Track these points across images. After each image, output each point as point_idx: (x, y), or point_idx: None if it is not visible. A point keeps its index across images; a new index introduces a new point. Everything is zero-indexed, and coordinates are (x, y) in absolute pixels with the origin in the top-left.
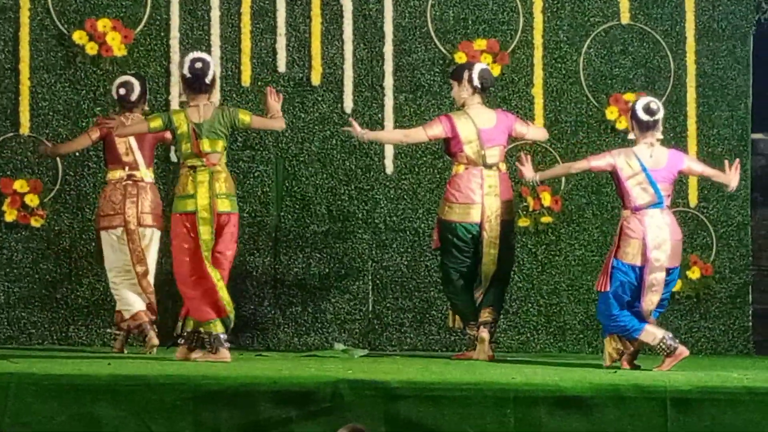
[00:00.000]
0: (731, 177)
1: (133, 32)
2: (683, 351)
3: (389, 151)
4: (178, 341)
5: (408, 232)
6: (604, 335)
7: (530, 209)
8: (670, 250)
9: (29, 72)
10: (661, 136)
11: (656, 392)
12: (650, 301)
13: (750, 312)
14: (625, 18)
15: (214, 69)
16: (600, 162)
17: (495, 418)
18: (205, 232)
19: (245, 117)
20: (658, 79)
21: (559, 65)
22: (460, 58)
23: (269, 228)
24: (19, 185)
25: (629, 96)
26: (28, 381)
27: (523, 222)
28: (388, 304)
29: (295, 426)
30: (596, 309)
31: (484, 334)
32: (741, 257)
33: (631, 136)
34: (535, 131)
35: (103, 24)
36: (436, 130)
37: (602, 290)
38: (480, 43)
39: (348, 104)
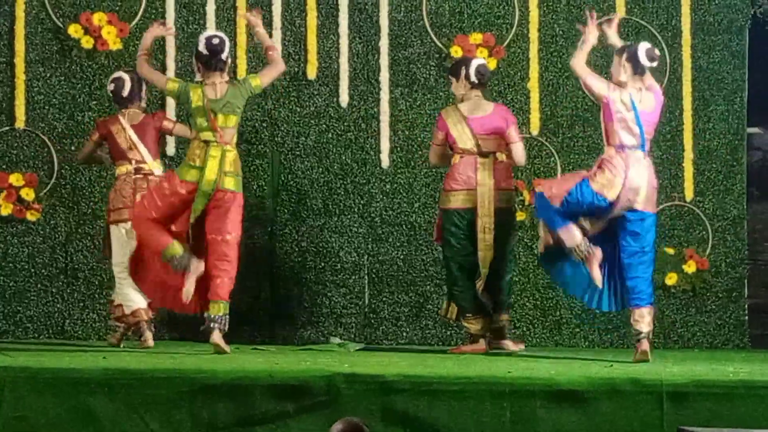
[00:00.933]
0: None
1: (129, 26)
2: (598, 254)
3: (385, 146)
4: (211, 326)
5: (404, 226)
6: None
7: (526, 203)
8: (648, 194)
9: (24, 66)
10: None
11: (652, 386)
12: (597, 228)
13: (746, 306)
14: (620, 12)
15: (230, 47)
16: (596, 83)
17: (491, 411)
18: (199, 203)
19: (256, 81)
20: (653, 73)
21: (555, 59)
22: (456, 52)
23: (265, 222)
24: (15, 179)
25: None
26: (24, 375)
27: (519, 216)
28: (384, 298)
29: (291, 419)
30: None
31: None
32: (737, 251)
33: (622, 77)
34: (519, 150)
35: (98, 18)
36: (440, 136)
37: (553, 202)
38: (476, 37)
39: (344, 98)
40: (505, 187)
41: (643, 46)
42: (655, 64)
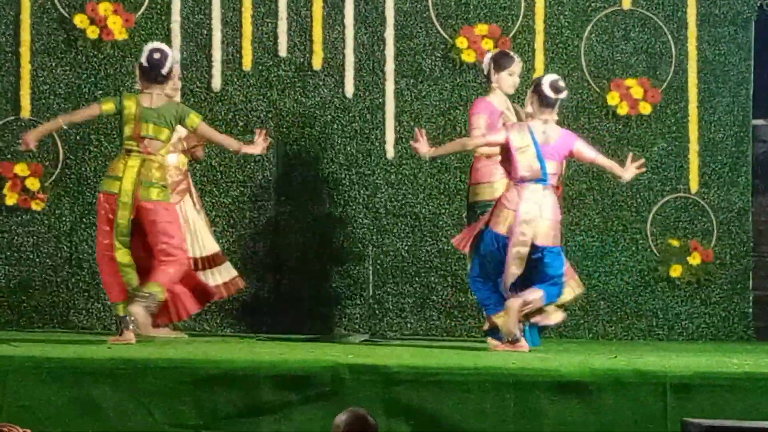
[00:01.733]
0: (627, 171)
1: (134, 16)
2: (524, 346)
3: (390, 137)
4: (135, 299)
5: (409, 217)
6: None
7: None
8: (547, 228)
9: (30, 55)
10: (557, 117)
11: (656, 377)
12: (511, 273)
13: (750, 298)
14: (626, 3)
15: (173, 61)
16: (497, 137)
17: (495, 402)
18: (122, 217)
19: (195, 119)
20: (659, 64)
21: (561, 50)
22: (461, 43)
23: (270, 213)
24: (20, 169)
25: (630, 81)
26: (29, 364)
27: None
28: (388, 289)
29: (294, 410)
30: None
31: None
32: (741, 243)
33: (528, 109)
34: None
35: (104, 8)
36: None
37: (462, 250)
38: (481, 28)
39: (349, 89)
40: (474, 181)
41: (548, 78)
42: (562, 96)
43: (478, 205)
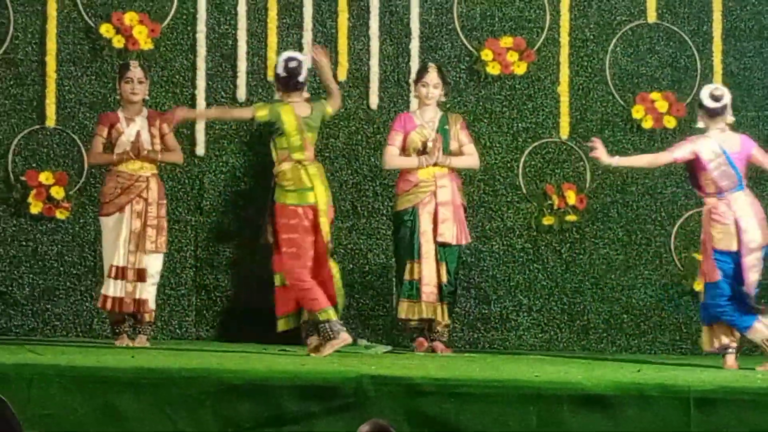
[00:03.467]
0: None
1: (160, 26)
2: None
3: None
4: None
5: None
6: (704, 323)
7: (555, 207)
8: (760, 229)
9: (56, 65)
10: (732, 120)
11: (680, 392)
12: (753, 282)
13: None
14: (651, 17)
15: (307, 67)
16: (683, 152)
17: (518, 415)
18: (324, 224)
19: (329, 108)
20: (684, 78)
21: (586, 63)
22: (486, 55)
23: None
24: (45, 177)
25: (655, 95)
26: (52, 372)
27: (547, 220)
28: None
29: (317, 421)
30: (703, 300)
31: None
32: (766, 258)
33: (700, 124)
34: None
35: (129, 17)
36: None
37: (711, 281)
38: (506, 41)
39: (374, 100)
40: (399, 191)
41: (706, 90)
42: (723, 102)
43: (403, 213)
